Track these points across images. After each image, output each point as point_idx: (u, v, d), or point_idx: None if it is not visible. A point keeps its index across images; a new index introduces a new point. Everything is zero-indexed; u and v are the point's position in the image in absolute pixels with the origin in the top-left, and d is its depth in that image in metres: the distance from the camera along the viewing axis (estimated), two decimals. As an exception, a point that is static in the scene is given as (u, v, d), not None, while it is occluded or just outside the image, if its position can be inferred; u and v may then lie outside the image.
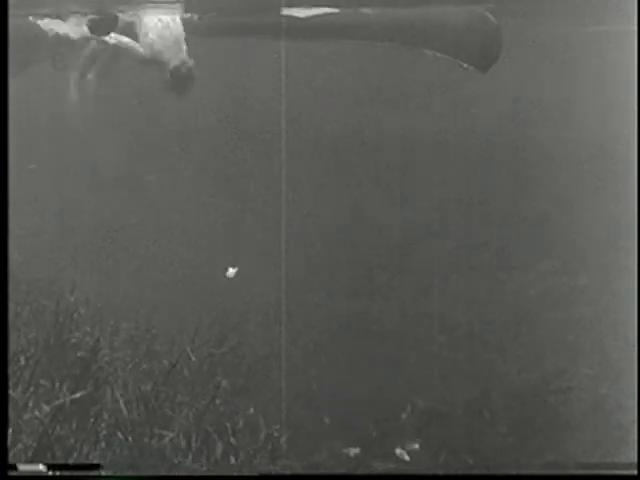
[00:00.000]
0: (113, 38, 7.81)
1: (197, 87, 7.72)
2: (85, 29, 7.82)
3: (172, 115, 8.19)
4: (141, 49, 7.90)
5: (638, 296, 7.46)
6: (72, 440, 5.05)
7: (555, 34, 10.71)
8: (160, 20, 7.99)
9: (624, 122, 8.25)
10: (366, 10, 7.93)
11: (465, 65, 7.92)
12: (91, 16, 7.90)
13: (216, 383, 6.54)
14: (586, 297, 9.67)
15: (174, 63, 7.91)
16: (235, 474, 5.55)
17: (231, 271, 8.59)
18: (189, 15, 8.01)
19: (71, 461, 4.89)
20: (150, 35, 7.95)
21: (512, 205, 11.02)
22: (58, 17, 7.81)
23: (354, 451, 6.74)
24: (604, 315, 9.01)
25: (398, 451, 6.91)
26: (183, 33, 7.99)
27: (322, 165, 11.27)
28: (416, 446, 6.80)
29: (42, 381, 5.46)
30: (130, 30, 8.01)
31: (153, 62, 7.93)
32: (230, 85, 8.36)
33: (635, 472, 5.31)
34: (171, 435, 5.51)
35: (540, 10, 9.40)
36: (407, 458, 6.88)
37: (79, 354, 5.66)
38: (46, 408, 5.13)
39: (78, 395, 5.22)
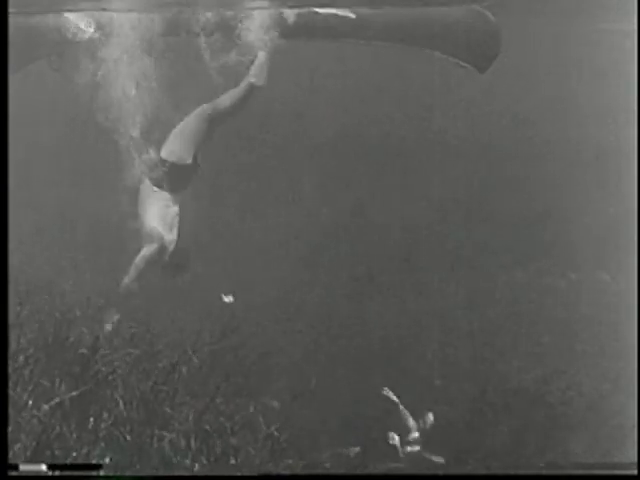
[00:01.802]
0: None
1: (195, 85, 7.72)
2: (91, 30, 7.75)
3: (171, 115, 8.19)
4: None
5: (638, 296, 7.46)
6: (72, 440, 5.05)
7: (555, 33, 10.70)
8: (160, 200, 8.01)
9: (624, 121, 8.26)
10: (366, 10, 7.93)
11: (464, 64, 7.92)
12: None
13: (216, 383, 6.53)
14: (586, 297, 9.68)
15: (172, 247, 7.93)
16: (235, 474, 5.55)
17: (225, 299, 8.64)
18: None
19: (70, 460, 4.88)
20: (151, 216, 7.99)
21: (512, 205, 11.02)
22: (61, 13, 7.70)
23: (354, 451, 6.73)
24: (604, 315, 9.01)
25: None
26: (178, 216, 7.99)
27: (322, 165, 11.27)
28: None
29: (42, 380, 5.47)
30: None
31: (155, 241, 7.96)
32: (230, 84, 8.33)
33: (635, 472, 5.31)
34: (171, 435, 5.50)
35: (540, 9, 9.40)
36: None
37: (79, 351, 5.65)
38: (45, 407, 5.14)
39: (76, 393, 5.22)
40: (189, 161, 7.95)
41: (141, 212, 7.99)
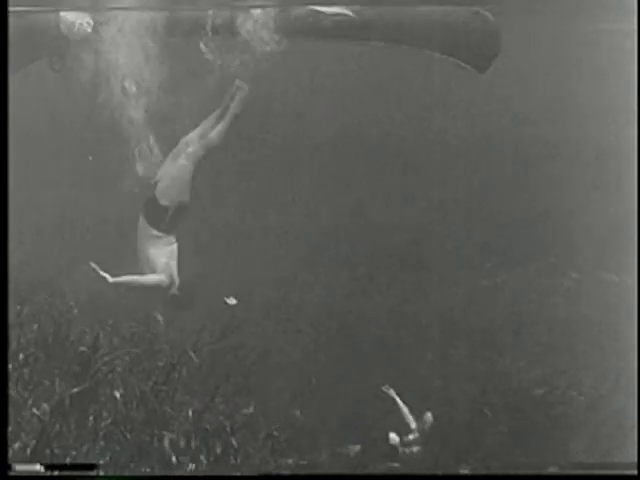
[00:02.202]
0: None
1: (195, 85, 7.72)
2: (88, 28, 7.69)
3: (172, 115, 8.18)
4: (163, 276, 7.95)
5: (638, 296, 7.46)
6: (71, 439, 5.05)
7: (555, 33, 10.68)
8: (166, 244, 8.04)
9: (624, 121, 8.25)
10: (366, 9, 7.92)
11: (463, 65, 7.92)
12: None
13: (216, 382, 6.53)
14: (586, 297, 9.67)
15: (177, 283, 7.97)
16: (235, 474, 5.55)
17: (228, 301, 8.68)
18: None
19: (70, 459, 4.88)
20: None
21: (512, 205, 11.01)
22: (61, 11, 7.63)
23: (354, 450, 6.74)
24: (604, 315, 9.00)
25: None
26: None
27: (322, 165, 11.26)
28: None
29: (41, 379, 5.47)
30: None
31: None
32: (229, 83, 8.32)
33: (635, 472, 5.32)
34: (171, 435, 5.50)
35: (539, 8, 9.39)
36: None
37: (79, 350, 5.65)
38: (45, 406, 5.14)
39: (76, 391, 5.22)
40: (188, 200, 8.02)
41: (144, 253, 7.97)
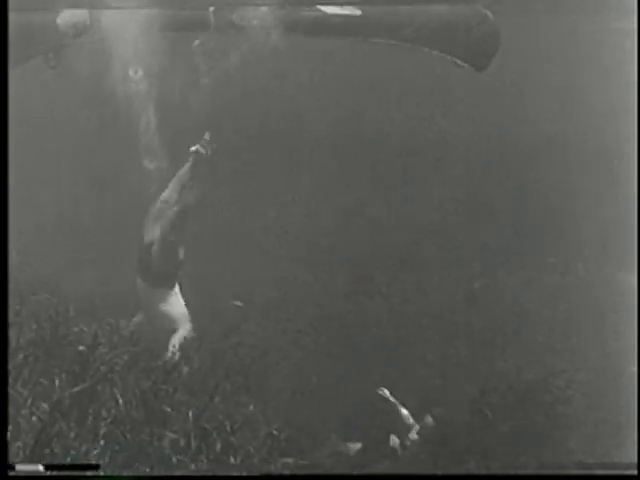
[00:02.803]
0: None
1: (196, 84, 7.71)
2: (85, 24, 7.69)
3: (171, 114, 8.18)
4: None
5: (638, 296, 7.46)
6: (70, 438, 5.04)
7: (555, 32, 10.68)
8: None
9: (625, 121, 8.25)
10: (365, 8, 7.92)
11: (460, 63, 7.92)
12: None
13: (216, 382, 6.52)
14: (586, 297, 9.67)
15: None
16: (235, 474, 5.54)
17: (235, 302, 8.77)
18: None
19: (69, 459, 4.87)
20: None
21: (512, 205, 11.00)
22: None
23: (354, 448, 6.74)
24: (604, 315, 9.00)
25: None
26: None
27: (322, 165, 11.25)
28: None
29: (41, 379, 5.47)
30: None
31: None
32: (228, 84, 8.32)
33: (635, 472, 5.31)
34: (170, 434, 5.50)
35: (540, 8, 9.39)
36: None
37: (78, 349, 5.65)
38: (44, 405, 5.13)
39: (75, 391, 5.21)
40: (184, 257, 8.23)
41: (157, 311, 8.10)
